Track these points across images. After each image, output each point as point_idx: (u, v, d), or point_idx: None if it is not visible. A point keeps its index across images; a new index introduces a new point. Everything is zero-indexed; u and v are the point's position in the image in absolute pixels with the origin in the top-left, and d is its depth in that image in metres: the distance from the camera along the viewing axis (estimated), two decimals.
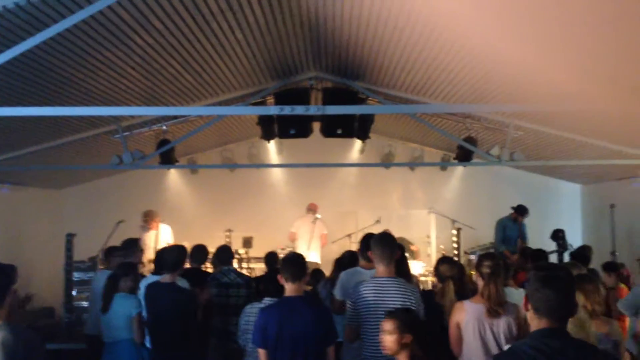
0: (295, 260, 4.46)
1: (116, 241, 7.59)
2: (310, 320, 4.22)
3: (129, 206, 11.20)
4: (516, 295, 5.11)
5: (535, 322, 2.64)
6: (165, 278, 5.42)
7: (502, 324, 4.31)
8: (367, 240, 5.23)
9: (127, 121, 8.55)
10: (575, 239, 10.89)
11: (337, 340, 4.41)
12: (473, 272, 4.86)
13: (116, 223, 9.89)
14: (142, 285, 5.82)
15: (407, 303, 4.42)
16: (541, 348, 2.52)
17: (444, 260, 5.75)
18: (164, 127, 8.93)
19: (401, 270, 5.59)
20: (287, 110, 5.56)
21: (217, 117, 8.94)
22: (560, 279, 2.65)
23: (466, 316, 4.37)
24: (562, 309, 2.62)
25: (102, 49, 5.82)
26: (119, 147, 8.51)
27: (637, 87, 4.75)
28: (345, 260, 6.38)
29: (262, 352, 4.31)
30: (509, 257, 9.57)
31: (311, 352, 4.21)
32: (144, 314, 5.54)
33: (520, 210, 10.67)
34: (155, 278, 5.79)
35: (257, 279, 6.62)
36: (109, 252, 7.17)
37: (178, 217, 11.76)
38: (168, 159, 9.04)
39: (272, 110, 6.07)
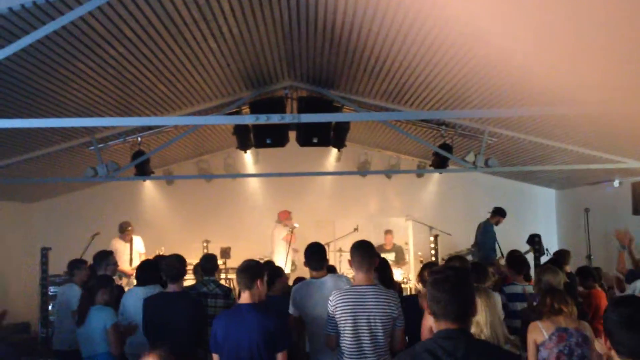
0: (248, 269, 4.50)
1: (92, 254, 7.47)
2: (255, 327, 4.28)
3: (104, 219, 11.08)
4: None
5: (436, 325, 2.65)
6: (172, 288, 5.38)
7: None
8: (309, 249, 5.28)
9: (101, 133, 8.46)
10: (551, 244, 11.02)
11: (287, 346, 4.41)
12: None
13: (91, 236, 9.77)
14: (132, 296, 5.75)
15: (388, 310, 4.41)
16: (433, 349, 2.52)
17: (427, 266, 5.81)
18: (139, 139, 8.85)
19: (384, 277, 5.60)
20: (263, 119, 5.55)
21: (192, 127, 8.89)
22: (448, 280, 2.63)
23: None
24: (452, 309, 2.59)
25: (74, 60, 5.75)
26: (93, 159, 8.41)
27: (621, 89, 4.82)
28: None
29: (215, 357, 4.47)
30: (498, 266, 9.62)
31: (257, 358, 4.26)
32: (126, 324, 5.49)
33: (503, 213, 10.82)
34: (141, 290, 5.75)
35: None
36: (73, 265, 7.06)
37: (154, 228, 11.67)
38: (143, 171, 8.95)
39: (248, 119, 6.04)
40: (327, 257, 5.47)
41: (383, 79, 7.54)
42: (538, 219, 12.83)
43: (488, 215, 10.95)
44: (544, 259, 9.29)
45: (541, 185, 13.36)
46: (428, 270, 4.61)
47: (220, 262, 11.05)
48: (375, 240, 9.10)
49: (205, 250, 11.01)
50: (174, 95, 7.75)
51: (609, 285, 8.03)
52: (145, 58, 6.18)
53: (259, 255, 10.81)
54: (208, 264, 6.67)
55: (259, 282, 4.45)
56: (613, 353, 2.47)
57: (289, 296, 5.30)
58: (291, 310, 5.20)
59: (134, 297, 5.73)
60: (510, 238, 10.77)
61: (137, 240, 10.27)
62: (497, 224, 10.84)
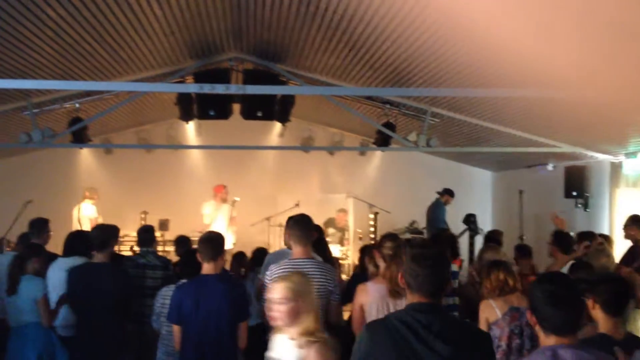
0: (212, 240, 4.49)
1: (24, 222, 7.25)
2: (224, 296, 4.32)
3: (39, 187, 10.78)
4: None
5: (409, 297, 2.73)
6: (97, 258, 5.25)
7: (405, 303, 4.40)
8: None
9: (38, 97, 8.15)
10: (485, 224, 11.33)
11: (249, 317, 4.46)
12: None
13: (24, 203, 9.47)
14: (56, 267, 5.60)
15: (325, 283, 4.47)
16: (407, 320, 2.60)
17: (372, 247, 5.94)
18: (77, 105, 8.58)
19: (321, 252, 5.65)
20: (207, 88, 5.48)
21: (133, 95, 8.66)
22: (430, 256, 2.72)
23: (370, 297, 4.47)
24: (431, 285, 2.68)
25: (12, 21, 5.50)
26: (27, 125, 8.12)
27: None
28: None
29: (176, 328, 4.44)
30: None
31: (224, 327, 4.31)
32: (52, 296, 5.35)
33: (452, 193, 11.08)
34: (65, 261, 5.60)
35: (176, 262, 6.53)
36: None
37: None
38: (80, 138, 8.70)
39: (192, 88, 5.94)
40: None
41: (330, 55, 7.54)
42: (474, 199, 13.14)
43: (436, 196, 11.22)
44: (478, 239, 9.54)
45: (478, 166, 13.70)
46: (389, 244, 4.60)
47: (158, 233, 10.97)
48: (316, 216, 9.15)
49: (142, 222, 10.85)
50: (115, 61, 7.53)
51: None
52: (86, 21, 5.96)
53: (199, 228, 10.71)
54: (146, 236, 6.58)
55: (223, 254, 4.49)
56: (538, 328, 2.55)
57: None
58: (262, 275, 5.22)
59: (58, 268, 5.58)
60: (447, 218, 11.03)
61: (86, 207, 10.36)
62: (446, 203, 11.10)
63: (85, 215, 10.50)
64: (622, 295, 3.32)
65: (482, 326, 4.56)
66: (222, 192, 11.08)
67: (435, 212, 11.09)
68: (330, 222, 11.86)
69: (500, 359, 4.47)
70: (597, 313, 3.20)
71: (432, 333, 2.56)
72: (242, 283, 5.25)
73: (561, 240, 6.63)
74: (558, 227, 7.83)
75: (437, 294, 2.71)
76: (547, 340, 2.50)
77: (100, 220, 10.12)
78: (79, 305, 5.19)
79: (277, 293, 3.23)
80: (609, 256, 5.76)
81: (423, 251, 2.77)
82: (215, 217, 10.95)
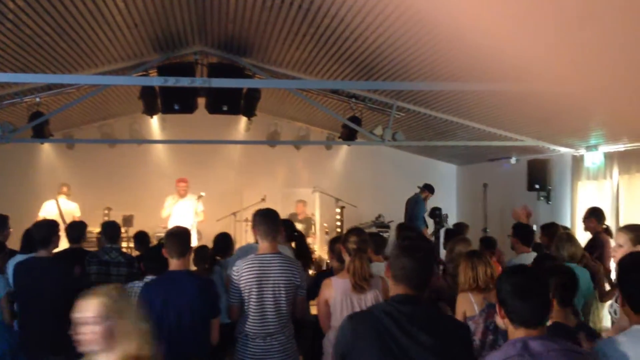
0: (180, 235, 4.43)
1: None
2: (194, 293, 4.23)
3: None
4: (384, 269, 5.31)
5: (393, 289, 2.76)
6: (42, 253, 5.15)
7: (369, 298, 4.44)
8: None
9: None
10: (450, 217, 11.43)
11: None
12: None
13: None
14: (12, 265, 5.48)
15: (292, 278, 4.46)
16: (391, 312, 2.62)
17: (337, 240, 5.93)
18: (38, 99, 8.40)
19: (301, 249, 5.63)
20: (172, 81, 5.40)
21: (95, 89, 8.52)
22: (419, 249, 2.76)
23: (334, 292, 4.48)
24: (417, 278, 2.71)
25: None
26: None
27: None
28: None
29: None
30: (425, 235, 9.94)
31: (197, 324, 4.23)
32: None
33: (432, 189, 11.14)
34: (24, 257, 5.49)
35: (138, 257, 6.45)
36: None
37: (53, 194, 11.20)
38: (41, 133, 8.54)
39: (156, 81, 5.85)
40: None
41: (296, 49, 7.51)
42: (439, 193, 13.23)
43: (417, 190, 11.24)
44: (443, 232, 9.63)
45: (443, 160, 13.83)
46: (354, 238, 4.60)
47: (122, 230, 10.82)
48: (282, 210, 9.13)
49: (106, 218, 10.69)
50: (77, 54, 7.37)
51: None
52: (46, 13, 5.82)
53: (163, 224, 10.60)
54: (110, 230, 6.47)
55: (191, 249, 4.45)
56: (507, 322, 2.55)
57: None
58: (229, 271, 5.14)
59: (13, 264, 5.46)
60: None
61: (65, 202, 10.39)
62: (425, 199, 11.15)
63: (69, 211, 10.40)
64: (568, 287, 3.48)
65: (459, 319, 4.55)
66: (178, 186, 10.78)
67: (415, 208, 11.11)
68: (293, 217, 11.84)
69: None
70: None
71: (416, 325, 2.59)
72: (212, 279, 5.19)
73: (522, 232, 6.73)
74: (521, 220, 7.93)
75: (422, 286, 2.75)
76: (516, 332, 2.51)
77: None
78: (23, 300, 5.10)
79: (88, 310, 2.69)
80: (577, 245, 5.87)
81: (413, 244, 2.81)
82: (174, 211, 10.70)
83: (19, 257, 5.54)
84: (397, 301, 2.69)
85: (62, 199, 10.65)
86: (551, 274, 3.45)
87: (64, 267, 5.31)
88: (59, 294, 4.94)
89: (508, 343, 2.52)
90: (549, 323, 3.31)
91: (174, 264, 4.33)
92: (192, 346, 4.25)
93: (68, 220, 9.54)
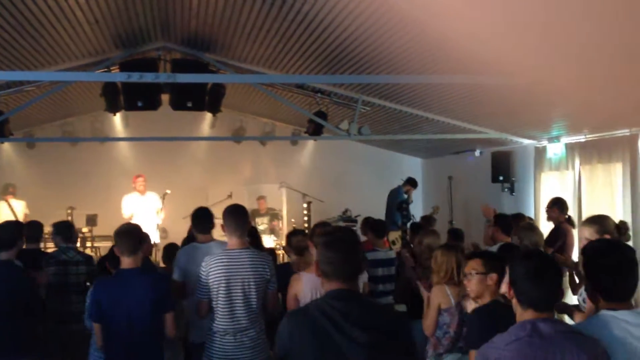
0: (130, 232, 4.38)
1: None
2: (147, 290, 4.21)
3: None
4: None
5: (326, 285, 2.71)
6: (2, 256, 4.99)
7: None
8: (195, 214, 5.24)
9: None
10: (416, 210, 11.55)
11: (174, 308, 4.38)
12: None
13: None
14: None
15: (262, 272, 4.45)
16: (324, 308, 2.58)
17: (294, 233, 5.94)
18: None
19: (253, 242, 5.62)
20: (135, 77, 5.32)
21: (56, 86, 8.35)
22: (341, 240, 2.72)
23: (304, 287, 4.48)
24: (345, 270, 2.66)
25: None
26: None
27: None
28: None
29: (96, 326, 4.29)
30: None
31: (148, 321, 4.21)
32: None
33: (415, 183, 11.16)
34: None
35: (104, 256, 6.35)
36: None
37: (14, 194, 10.99)
38: (1, 132, 8.35)
39: (119, 77, 5.76)
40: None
41: (260, 44, 7.47)
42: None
43: (400, 182, 11.27)
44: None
45: (409, 154, 13.94)
46: (319, 230, 4.62)
47: (85, 229, 10.67)
48: (249, 207, 9.09)
49: (69, 218, 10.50)
50: (36, 51, 7.20)
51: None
52: (4, 9, 5.69)
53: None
54: (65, 231, 6.33)
55: (142, 246, 4.40)
56: (515, 302, 2.62)
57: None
58: (176, 275, 5.04)
59: None
60: (379, 204, 11.16)
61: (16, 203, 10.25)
62: (407, 192, 11.15)
63: (20, 210, 10.28)
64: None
65: (434, 311, 4.60)
66: (136, 182, 10.45)
67: (394, 201, 11.08)
68: (255, 213, 11.77)
69: (447, 345, 4.54)
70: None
71: (350, 321, 2.54)
72: (165, 274, 5.12)
73: (503, 222, 6.84)
74: (488, 217, 8.04)
75: (353, 279, 2.70)
76: (524, 314, 2.57)
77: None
78: None
79: None
80: (540, 235, 6.03)
81: (335, 237, 2.75)
82: (135, 210, 10.33)
83: None
84: (331, 297, 2.64)
85: (12, 200, 10.47)
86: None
87: (16, 270, 5.10)
88: (20, 296, 4.84)
89: (517, 325, 2.57)
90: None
91: (125, 262, 4.30)
92: (145, 342, 4.23)
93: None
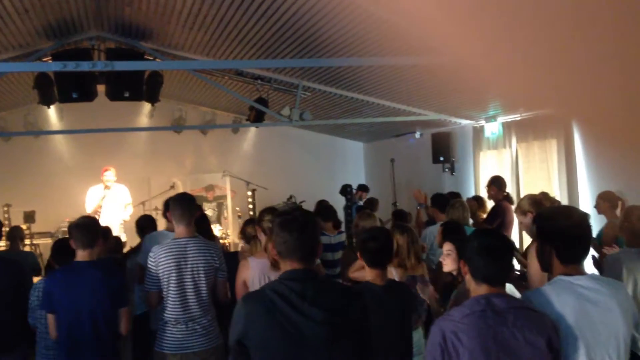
0: (87, 226, 4.32)
1: None
2: (98, 284, 4.18)
3: None
4: None
5: (282, 266, 2.72)
6: None
7: None
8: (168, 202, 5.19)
9: None
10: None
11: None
12: None
13: None
14: None
15: (210, 260, 4.44)
16: (280, 290, 2.58)
17: (249, 222, 5.96)
18: None
19: (203, 229, 5.58)
20: (71, 66, 5.17)
21: None
22: (295, 220, 2.71)
23: (252, 272, 4.49)
24: (301, 250, 2.66)
25: None
26: None
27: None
28: (144, 224, 6.28)
29: (50, 317, 4.24)
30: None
31: (99, 315, 4.18)
32: None
33: (366, 188, 11.16)
34: None
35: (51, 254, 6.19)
36: None
37: None
38: None
39: (54, 66, 5.59)
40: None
41: (197, 31, 7.36)
42: (348, 170, 13.51)
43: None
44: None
45: (350, 138, 14.05)
46: (268, 217, 4.61)
47: (24, 226, 10.31)
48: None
49: (6, 215, 10.18)
50: None
51: None
52: None
53: (68, 218, 10.15)
54: None
55: (100, 240, 4.33)
56: (469, 278, 2.73)
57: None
58: (143, 260, 5.04)
59: None
60: (323, 189, 11.22)
61: None
62: (360, 197, 11.07)
63: None
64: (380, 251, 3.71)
65: None
66: (104, 175, 9.71)
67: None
68: (201, 199, 11.64)
69: None
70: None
71: (307, 300, 2.55)
72: (118, 269, 5.07)
73: (439, 202, 7.02)
74: (419, 202, 8.22)
75: (309, 258, 2.70)
76: (478, 289, 2.68)
77: None
78: None
79: None
80: (466, 209, 6.39)
81: (289, 217, 2.74)
82: (103, 204, 9.67)
83: None
84: (286, 278, 2.64)
85: None
86: (367, 240, 3.76)
87: (16, 264, 5.07)
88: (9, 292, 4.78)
89: (472, 299, 2.66)
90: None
91: (79, 255, 4.27)
92: (95, 336, 4.19)
93: None
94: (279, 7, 5.86)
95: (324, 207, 7.05)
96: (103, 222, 9.46)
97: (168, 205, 5.14)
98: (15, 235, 7.40)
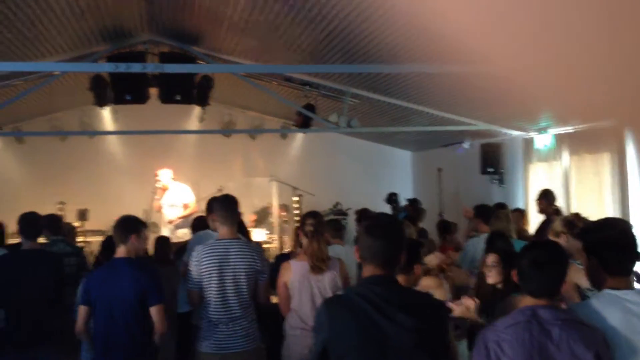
0: (121, 222, 4.47)
1: None
2: (128, 280, 4.26)
3: None
4: (343, 252, 5.38)
5: (365, 270, 2.69)
6: (27, 245, 5.10)
7: (327, 279, 4.53)
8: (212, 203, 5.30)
9: None
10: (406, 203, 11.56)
11: (162, 300, 4.39)
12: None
13: None
14: None
15: (252, 263, 4.47)
16: (365, 294, 2.55)
17: (309, 216, 5.99)
18: None
19: (240, 232, 5.65)
20: (123, 67, 5.31)
21: (43, 80, 8.31)
22: (382, 226, 2.70)
23: (292, 275, 4.53)
24: (385, 255, 2.63)
25: None
26: None
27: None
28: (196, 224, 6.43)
29: (81, 308, 4.36)
30: None
31: (128, 312, 4.26)
32: None
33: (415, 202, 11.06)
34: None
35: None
36: None
37: (3, 189, 10.97)
38: None
39: (107, 67, 5.75)
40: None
41: (247, 36, 7.45)
42: (395, 179, 13.41)
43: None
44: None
45: (398, 147, 13.95)
46: (310, 220, 4.65)
47: (77, 224, 10.60)
48: (239, 200, 9.06)
49: (60, 213, 10.46)
50: (22, 44, 7.12)
51: None
52: None
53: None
54: (52, 224, 6.32)
55: (133, 237, 4.38)
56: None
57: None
58: (186, 258, 5.16)
59: None
60: (369, 197, 11.19)
61: None
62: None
63: None
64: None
65: None
66: (155, 177, 10.14)
67: None
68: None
69: None
70: None
71: (392, 304, 2.51)
72: (152, 266, 5.14)
73: (483, 213, 6.92)
74: (468, 218, 8.14)
75: (391, 265, 2.66)
76: (525, 300, 2.68)
77: None
78: (5, 293, 5.01)
79: None
80: (508, 221, 6.29)
81: (375, 222, 2.74)
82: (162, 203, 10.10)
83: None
84: (370, 282, 2.61)
85: None
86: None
87: (51, 258, 5.30)
88: (47, 285, 4.99)
89: (517, 310, 2.65)
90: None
91: (117, 251, 4.41)
92: (126, 333, 4.26)
93: None
94: (327, 13, 5.88)
95: (365, 216, 7.04)
96: (164, 221, 9.91)
97: (211, 206, 5.24)
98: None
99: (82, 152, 11.97)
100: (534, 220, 8.16)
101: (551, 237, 5.36)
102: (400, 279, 4.48)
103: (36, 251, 5.14)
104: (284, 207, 12.14)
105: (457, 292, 4.60)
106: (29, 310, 4.95)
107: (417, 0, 4.04)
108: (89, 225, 10.85)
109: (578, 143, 8.41)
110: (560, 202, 7.95)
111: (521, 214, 7.89)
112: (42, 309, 4.96)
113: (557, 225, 5.22)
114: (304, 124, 9.47)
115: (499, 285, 4.27)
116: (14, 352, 5.00)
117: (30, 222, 5.19)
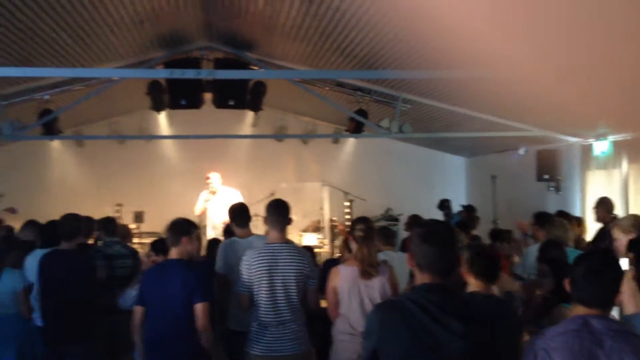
0: (173, 225, 4.57)
1: None
2: (178, 280, 4.36)
3: (11, 180, 10.65)
4: (396, 258, 5.35)
5: (418, 278, 2.67)
6: (64, 246, 5.24)
7: (376, 285, 4.50)
8: (234, 210, 5.47)
9: (4, 89, 8.01)
10: (460, 209, 11.41)
11: (207, 299, 4.45)
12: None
13: None
14: (32, 260, 5.53)
15: (301, 267, 4.49)
16: (419, 301, 2.53)
17: (359, 221, 6.00)
18: (46, 97, 8.46)
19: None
20: (177, 73, 5.46)
21: (103, 85, 8.57)
22: (439, 234, 2.67)
23: (341, 280, 4.52)
24: (441, 263, 2.61)
25: None
26: None
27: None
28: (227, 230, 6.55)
29: (137, 309, 4.49)
30: None
31: (179, 311, 4.34)
32: (36, 286, 5.34)
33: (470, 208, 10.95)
34: (42, 252, 5.55)
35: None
36: None
37: (64, 191, 11.31)
38: (51, 130, 8.61)
39: (162, 73, 5.89)
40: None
41: (300, 42, 7.52)
42: (448, 185, 13.26)
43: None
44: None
45: (451, 153, 13.79)
46: (360, 226, 4.66)
47: (133, 226, 10.86)
48: (291, 204, 9.12)
49: (117, 215, 10.74)
50: (83, 51, 7.39)
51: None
52: (50, 8, 5.77)
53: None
54: (109, 226, 6.51)
55: (184, 239, 4.47)
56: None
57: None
58: (220, 267, 5.26)
59: (35, 259, 5.50)
60: (421, 203, 11.10)
61: None
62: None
63: None
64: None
65: None
66: (206, 180, 10.23)
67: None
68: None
69: None
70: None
71: (445, 312, 2.50)
72: (199, 267, 5.23)
73: (542, 220, 6.78)
74: (526, 230, 7.97)
75: (447, 273, 2.64)
76: (576, 309, 2.65)
77: None
78: (48, 292, 5.18)
79: None
80: (566, 229, 6.12)
81: (432, 230, 2.71)
82: (208, 207, 10.23)
83: (39, 252, 5.56)
84: (424, 290, 2.59)
85: None
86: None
87: (89, 259, 5.49)
88: (84, 285, 5.15)
89: (569, 318, 2.63)
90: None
91: (170, 252, 4.53)
92: (177, 331, 4.34)
93: None
94: (379, 20, 5.88)
95: (416, 223, 6.98)
96: (210, 225, 10.06)
97: (233, 213, 5.38)
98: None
99: (138, 155, 12.27)
100: (592, 228, 7.95)
101: (615, 233, 5.11)
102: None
103: (71, 251, 5.26)
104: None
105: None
106: (61, 309, 5.10)
107: (469, 6, 4.01)
108: (144, 227, 11.10)
109: (637, 150, 8.16)
110: (618, 211, 7.72)
111: (578, 222, 7.69)
112: (75, 308, 5.08)
113: (627, 222, 4.95)
114: (356, 129, 9.49)
115: (549, 295, 4.19)
116: (47, 348, 5.21)
117: (66, 224, 5.32)
